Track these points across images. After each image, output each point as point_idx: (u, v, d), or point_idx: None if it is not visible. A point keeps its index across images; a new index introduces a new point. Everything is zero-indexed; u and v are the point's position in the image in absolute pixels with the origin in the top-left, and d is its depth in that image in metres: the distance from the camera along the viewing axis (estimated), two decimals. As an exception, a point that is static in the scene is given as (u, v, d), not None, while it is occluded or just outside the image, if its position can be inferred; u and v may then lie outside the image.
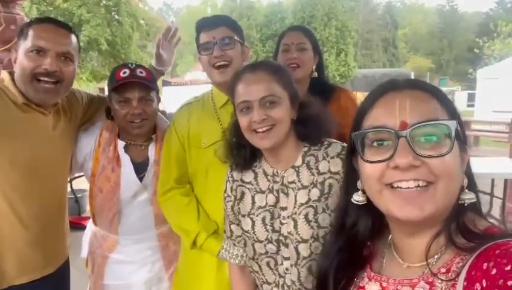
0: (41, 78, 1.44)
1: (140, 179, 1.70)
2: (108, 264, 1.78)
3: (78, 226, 4.01)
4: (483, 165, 3.96)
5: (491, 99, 14.02)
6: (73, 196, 4.86)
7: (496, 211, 4.24)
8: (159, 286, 1.82)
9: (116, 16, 17.26)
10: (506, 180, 4.20)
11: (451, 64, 48.58)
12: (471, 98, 19.51)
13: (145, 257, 1.79)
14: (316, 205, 1.13)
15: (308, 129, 1.17)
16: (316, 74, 1.86)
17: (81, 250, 1.93)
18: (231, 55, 1.47)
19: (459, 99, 21.38)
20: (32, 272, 1.52)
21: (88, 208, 1.87)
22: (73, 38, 1.54)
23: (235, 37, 1.50)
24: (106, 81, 1.80)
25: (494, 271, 0.57)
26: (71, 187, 4.76)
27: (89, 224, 1.91)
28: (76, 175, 1.86)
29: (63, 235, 1.69)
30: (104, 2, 16.77)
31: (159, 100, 1.73)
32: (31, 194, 1.49)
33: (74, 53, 1.53)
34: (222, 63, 1.47)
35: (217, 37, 1.47)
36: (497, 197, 4.32)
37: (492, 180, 4.21)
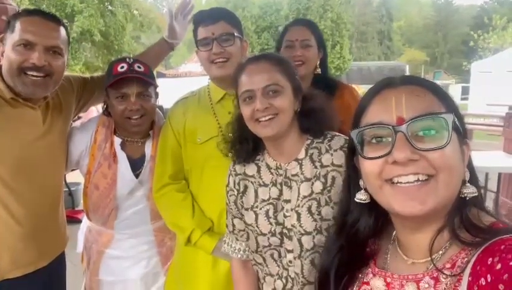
0: (30, 73, 1.40)
1: (137, 176, 1.68)
2: (104, 260, 1.77)
3: (72, 220, 3.97)
4: (477, 158, 3.89)
5: (485, 93, 14.08)
6: (67, 189, 4.83)
7: (489, 205, 4.27)
8: (156, 281, 1.81)
9: (110, 7, 17.06)
10: (500, 174, 4.23)
11: (445, 57, 48.82)
12: (465, 91, 19.58)
13: (141, 251, 1.78)
14: (319, 198, 1.13)
15: (311, 121, 1.17)
16: (319, 70, 1.82)
17: (75, 245, 1.91)
18: (231, 52, 1.45)
19: (453, 93, 21.43)
20: (25, 266, 1.50)
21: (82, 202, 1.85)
22: (62, 30, 1.49)
23: (235, 33, 1.47)
24: (99, 73, 1.76)
25: (499, 266, 0.57)
26: (65, 180, 4.72)
27: (84, 219, 1.89)
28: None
29: (58, 230, 1.67)
30: (97, -8, 16.50)
31: (157, 96, 1.71)
32: (23, 190, 1.46)
33: (63, 46, 1.48)
34: (221, 59, 1.45)
35: (216, 33, 1.44)
36: (490, 191, 4.35)
37: (486, 174, 4.23)
